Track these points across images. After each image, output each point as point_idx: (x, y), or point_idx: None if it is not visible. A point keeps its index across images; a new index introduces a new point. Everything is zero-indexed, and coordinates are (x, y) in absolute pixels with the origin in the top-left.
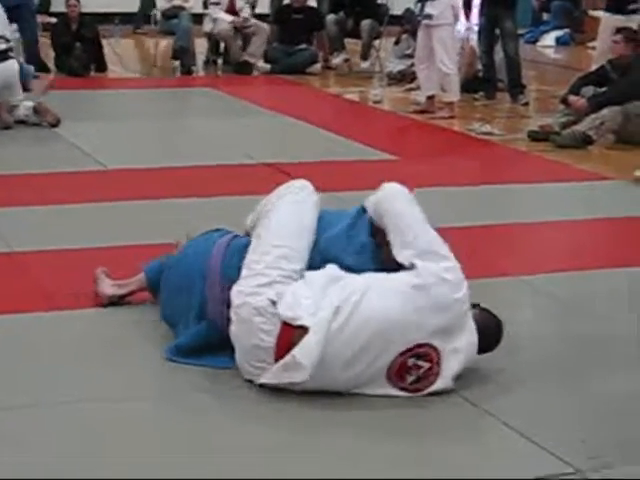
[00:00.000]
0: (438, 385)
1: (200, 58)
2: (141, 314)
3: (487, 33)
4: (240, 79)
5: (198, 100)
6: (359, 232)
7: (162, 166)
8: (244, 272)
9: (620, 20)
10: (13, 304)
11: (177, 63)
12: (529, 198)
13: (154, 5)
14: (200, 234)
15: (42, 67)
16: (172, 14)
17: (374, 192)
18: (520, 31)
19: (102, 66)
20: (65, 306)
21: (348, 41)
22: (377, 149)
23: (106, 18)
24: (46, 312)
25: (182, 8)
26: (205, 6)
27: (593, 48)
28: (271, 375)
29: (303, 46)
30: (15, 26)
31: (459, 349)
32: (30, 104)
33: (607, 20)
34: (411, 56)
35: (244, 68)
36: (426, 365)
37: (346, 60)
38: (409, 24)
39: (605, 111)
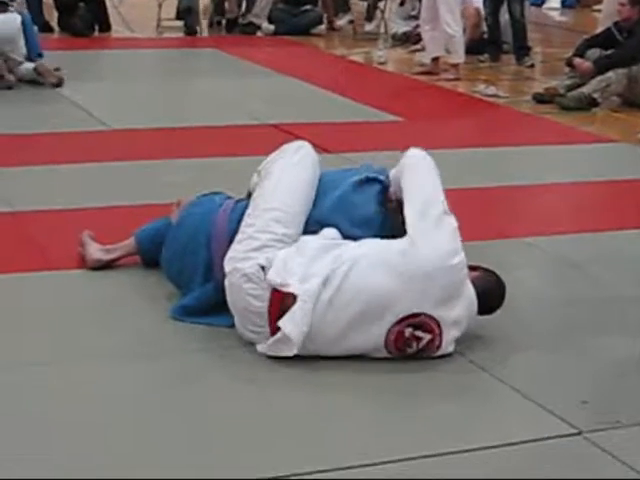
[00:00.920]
0: (439, 354)
1: (204, 19)
2: (142, 276)
3: None
4: (244, 40)
5: (202, 61)
6: (365, 201)
7: (166, 126)
8: (237, 236)
9: None
10: (13, 264)
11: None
12: (534, 160)
13: None
14: (200, 196)
15: (46, 27)
16: None
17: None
18: None
19: (106, 26)
20: (64, 266)
21: (353, 2)
22: (382, 110)
23: None
24: (45, 271)
25: None
26: None
27: (599, 11)
28: (266, 347)
29: (308, 7)
30: None
31: (459, 319)
32: (31, 65)
33: None
34: (416, 17)
35: (248, 29)
36: (427, 336)
37: (351, 21)
38: None
39: (610, 74)
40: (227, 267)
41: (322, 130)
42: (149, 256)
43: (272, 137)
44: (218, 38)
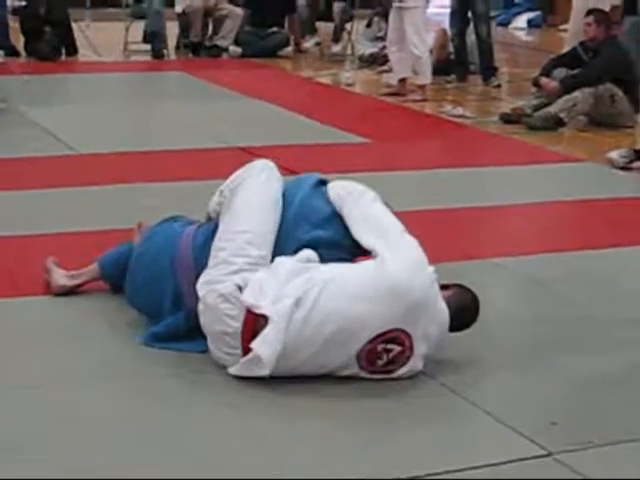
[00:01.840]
0: (409, 366)
1: (171, 42)
2: (105, 301)
3: (459, 15)
4: (211, 63)
5: (169, 84)
6: (321, 202)
7: (133, 150)
8: (210, 261)
9: (592, 1)
10: None
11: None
12: (502, 180)
13: None
14: (159, 222)
15: (12, 51)
16: None
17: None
18: (492, 13)
19: (73, 50)
20: (30, 292)
21: (320, 24)
22: (349, 132)
23: (76, 1)
24: (10, 298)
25: None
26: None
27: (565, 30)
28: (238, 368)
29: (275, 29)
30: None
31: (429, 334)
32: None
33: (579, 2)
34: (383, 39)
35: (214, 52)
36: (397, 348)
37: (318, 43)
38: (380, 7)
39: (577, 93)
40: (202, 290)
41: (290, 152)
42: (113, 280)
43: (239, 160)
44: (185, 61)
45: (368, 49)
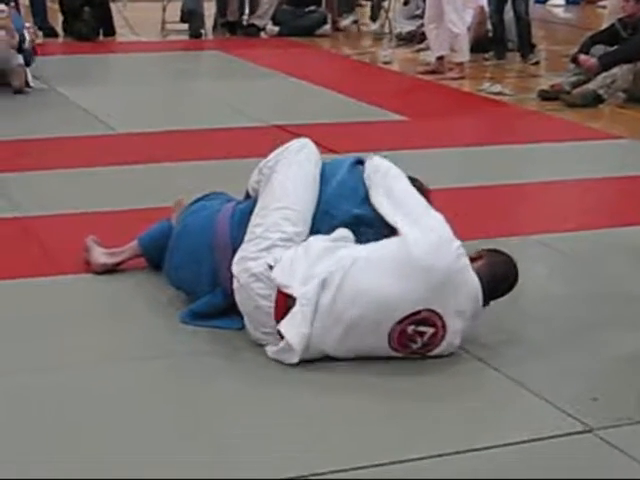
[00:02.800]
0: (444, 346)
1: (208, 21)
2: (145, 279)
3: None
4: (249, 42)
5: (207, 63)
6: (357, 181)
7: (171, 129)
8: (246, 237)
9: None
10: (20, 269)
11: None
12: (540, 158)
13: None
14: (197, 199)
15: (51, 32)
16: None
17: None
18: None
19: (111, 30)
20: (70, 270)
21: (357, 2)
22: (387, 110)
23: None
24: (51, 276)
25: None
26: None
27: (603, 7)
28: (272, 354)
29: (312, 8)
30: None
31: (462, 309)
32: None
33: None
34: (420, 17)
35: (251, 31)
36: (430, 330)
37: (355, 21)
38: None
39: (616, 70)
40: (237, 267)
41: (328, 130)
42: (153, 259)
43: (277, 138)
44: (222, 40)
45: (406, 27)
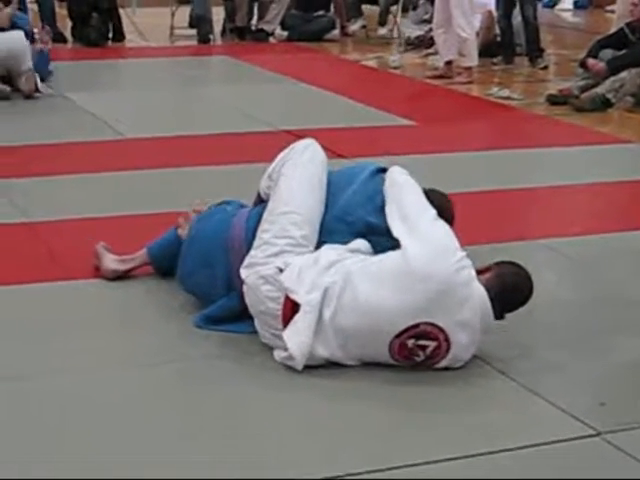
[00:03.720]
0: (449, 359)
1: (217, 26)
2: (156, 285)
3: None
4: (257, 47)
5: (216, 68)
6: (375, 190)
7: (180, 134)
8: (255, 242)
9: None
10: (29, 274)
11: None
12: (548, 162)
13: None
14: (211, 206)
15: (59, 37)
16: None
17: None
18: None
19: (120, 35)
20: (80, 276)
21: (365, 7)
22: (396, 115)
23: None
24: (61, 281)
25: None
26: None
27: (611, 11)
28: (279, 358)
29: (320, 13)
30: None
31: (466, 322)
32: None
33: None
34: (429, 21)
35: (259, 36)
36: (432, 344)
37: (363, 26)
38: None
39: (624, 74)
40: (245, 272)
41: (336, 135)
42: (162, 268)
43: (286, 143)
44: (231, 46)
45: (414, 32)
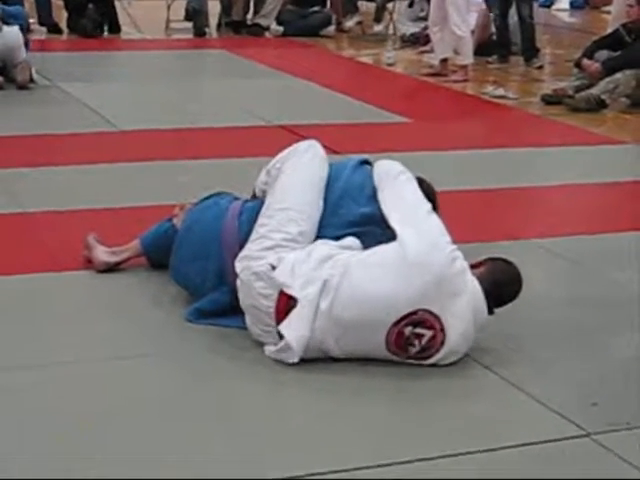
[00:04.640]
0: (445, 352)
1: (213, 20)
2: (147, 277)
3: None
4: (253, 41)
5: (211, 62)
6: (365, 181)
7: (174, 127)
8: (251, 236)
9: None
10: (22, 265)
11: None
12: (542, 162)
13: None
14: (204, 198)
15: (55, 28)
16: None
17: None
18: None
19: (115, 27)
20: (71, 267)
21: (361, 3)
22: (390, 112)
23: None
24: (51, 272)
25: None
26: None
27: (607, 12)
28: (272, 353)
29: (316, 8)
30: None
31: (461, 314)
32: None
33: None
34: (424, 19)
35: (255, 30)
36: (428, 333)
37: (359, 23)
38: None
39: (619, 75)
40: (239, 266)
41: (330, 131)
42: (154, 259)
43: (280, 138)
44: (227, 39)
45: (410, 29)
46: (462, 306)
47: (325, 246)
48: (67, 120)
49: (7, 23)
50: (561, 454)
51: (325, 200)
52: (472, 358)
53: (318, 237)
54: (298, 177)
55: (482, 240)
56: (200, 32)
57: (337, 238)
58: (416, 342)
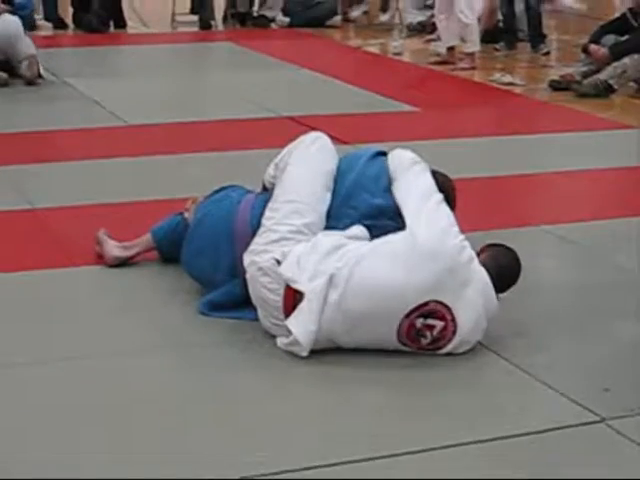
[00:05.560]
0: (457, 341)
1: (219, 12)
2: (159, 271)
3: None
4: (259, 33)
5: (217, 54)
6: (379, 171)
7: (182, 121)
8: (259, 230)
9: None
10: (33, 260)
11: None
12: (551, 148)
13: None
14: (215, 191)
15: (60, 24)
16: None
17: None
18: None
19: (121, 22)
20: (83, 262)
21: None
22: (398, 101)
23: None
24: (64, 268)
25: None
26: None
27: None
28: (282, 345)
29: None
30: None
31: (469, 302)
32: None
33: None
34: (431, 7)
35: (261, 22)
36: (439, 324)
37: (365, 12)
38: None
39: (626, 60)
40: (246, 260)
41: (338, 121)
42: (166, 252)
43: (289, 129)
44: (233, 31)
45: (416, 17)
46: (472, 295)
47: (331, 237)
48: (75, 115)
49: (14, 13)
50: (576, 440)
51: (336, 191)
52: (483, 346)
53: (328, 229)
54: (304, 169)
55: (492, 227)
56: (206, 25)
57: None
58: (427, 333)
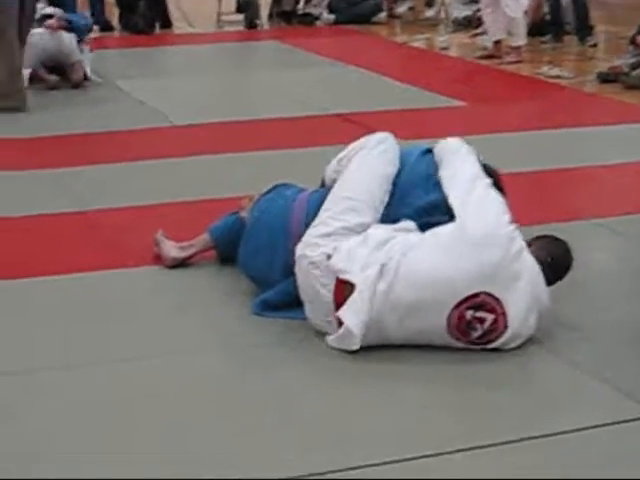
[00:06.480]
0: (509, 335)
1: (264, 11)
2: (216, 271)
3: None
4: (305, 31)
5: (264, 53)
6: (429, 168)
7: (231, 120)
8: (314, 221)
9: None
10: (88, 263)
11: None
12: (600, 140)
13: None
14: (270, 189)
15: (107, 26)
16: None
17: (443, 138)
18: None
19: (167, 23)
20: (140, 263)
21: None
22: (446, 96)
23: None
24: (121, 269)
25: None
26: None
27: None
28: (333, 341)
29: None
30: None
31: (520, 294)
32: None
33: None
34: (476, 1)
35: (306, 19)
36: (490, 317)
37: (411, 8)
38: None
39: None
40: (298, 251)
41: (387, 118)
42: (224, 251)
43: (337, 127)
44: (278, 30)
45: (462, 12)
46: (523, 287)
47: (380, 230)
48: (123, 117)
49: (70, 30)
50: (632, 435)
51: (392, 188)
52: (533, 342)
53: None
54: (366, 168)
55: (543, 221)
56: (251, 24)
57: None
58: (478, 326)
